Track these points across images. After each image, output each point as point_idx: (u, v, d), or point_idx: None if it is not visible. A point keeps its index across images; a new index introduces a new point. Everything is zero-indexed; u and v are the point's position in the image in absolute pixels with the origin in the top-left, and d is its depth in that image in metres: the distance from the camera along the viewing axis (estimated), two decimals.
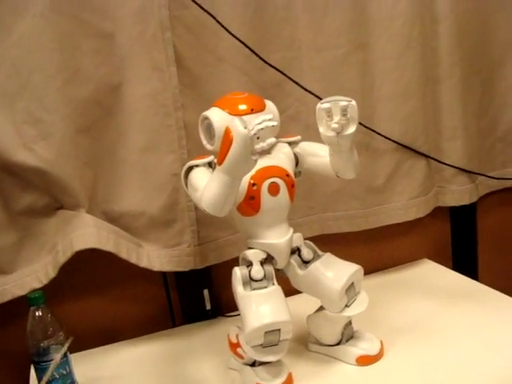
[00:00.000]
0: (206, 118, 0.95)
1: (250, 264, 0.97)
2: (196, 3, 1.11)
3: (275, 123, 0.83)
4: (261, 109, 0.96)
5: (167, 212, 1.17)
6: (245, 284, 0.95)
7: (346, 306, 1.00)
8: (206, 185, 0.89)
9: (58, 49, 1.05)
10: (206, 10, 1.12)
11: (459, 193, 1.40)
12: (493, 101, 1.43)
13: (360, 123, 1.23)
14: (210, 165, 0.97)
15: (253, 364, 1.00)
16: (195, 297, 1.28)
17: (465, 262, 1.52)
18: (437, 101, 1.34)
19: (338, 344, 1.05)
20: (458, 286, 1.32)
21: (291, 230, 1.00)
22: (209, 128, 0.95)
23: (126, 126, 1.13)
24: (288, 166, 0.99)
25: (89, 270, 1.20)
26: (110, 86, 1.11)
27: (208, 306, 1.29)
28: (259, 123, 0.81)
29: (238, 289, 0.95)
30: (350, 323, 1.05)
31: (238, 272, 0.96)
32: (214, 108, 0.96)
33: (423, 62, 1.30)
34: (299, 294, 1.04)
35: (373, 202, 1.33)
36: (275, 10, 1.19)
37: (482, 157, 1.43)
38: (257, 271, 0.96)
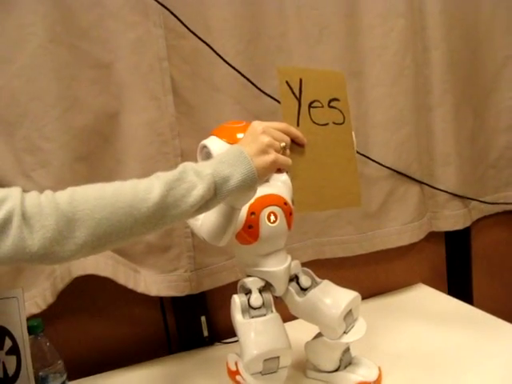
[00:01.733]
0: (205, 147, 0.96)
1: (248, 292, 0.98)
2: (192, 33, 1.13)
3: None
4: None
5: (164, 238, 1.18)
6: (244, 312, 0.96)
7: (345, 332, 1.01)
8: (206, 214, 0.90)
9: (57, 78, 1.06)
10: (202, 40, 1.14)
11: (453, 218, 1.42)
12: (484, 127, 1.45)
13: None
14: None
15: None
16: (192, 323, 1.28)
17: (459, 285, 1.53)
18: (430, 127, 1.36)
19: (336, 370, 1.06)
20: (453, 310, 1.32)
21: (289, 258, 1.01)
22: (208, 157, 0.96)
23: (124, 154, 1.14)
24: (286, 194, 0.99)
25: (85, 296, 1.20)
26: (108, 115, 1.12)
27: (206, 333, 1.29)
28: None
29: (237, 316, 0.96)
30: (348, 349, 1.06)
31: (237, 300, 0.96)
32: (213, 137, 0.97)
33: (416, 90, 1.32)
34: (297, 320, 1.05)
35: (367, 227, 1.35)
36: (270, 38, 1.22)
37: (475, 182, 1.45)
38: (256, 299, 0.96)
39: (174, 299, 1.26)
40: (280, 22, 1.22)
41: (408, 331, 1.23)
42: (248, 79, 1.18)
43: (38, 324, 0.98)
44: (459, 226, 1.43)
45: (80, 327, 1.22)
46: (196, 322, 1.28)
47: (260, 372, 0.94)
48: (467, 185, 1.42)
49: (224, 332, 1.28)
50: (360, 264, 1.40)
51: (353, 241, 1.35)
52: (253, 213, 0.95)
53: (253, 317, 0.96)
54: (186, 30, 1.13)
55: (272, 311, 0.97)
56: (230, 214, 0.88)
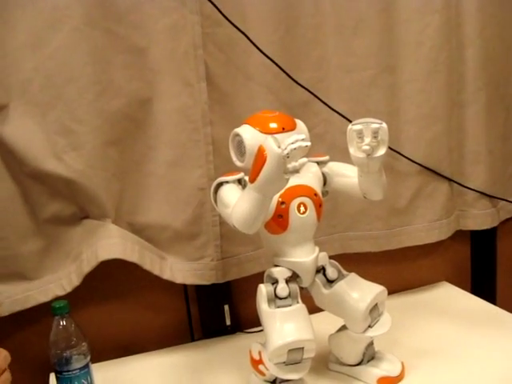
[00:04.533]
0: (238, 135, 0.96)
1: (275, 281, 0.97)
2: (228, 20, 1.13)
3: (308, 143, 0.84)
4: (291, 128, 0.96)
5: (192, 226, 1.18)
6: (269, 301, 0.96)
7: (369, 326, 1.01)
8: (237, 202, 0.90)
9: (91, 62, 1.06)
10: (237, 28, 1.13)
11: (481, 217, 1.41)
12: None
13: None
14: (239, 182, 0.97)
15: (274, 382, 1.00)
16: (215, 312, 1.28)
17: (484, 285, 1.52)
18: (461, 125, 1.35)
19: (359, 364, 1.06)
20: (477, 310, 1.32)
21: (317, 249, 1.01)
22: (240, 145, 0.96)
23: (155, 140, 1.14)
24: (316, 186, 0.99)
25: (111, 280, 1.21)
26: (141, 100, 1.12)
27: (228, 322, 1.29)
28: (292, 143, 0.81)
29: (263, 306, 0.95)
30: (371, 344, 1.06)
31: (264, 289, 0.96)
32: (246, 125, 0.96)
33: (449, 86, 1.31)
34: (321, 312, 1.05)
35: (395, 223, 1.34)
36: (305, 30, 1.21)
37: (505, 182, 1.44)
38: (282, 289, 0.96)
39: (197, 287, 1.26)
40: (316, 13, 1.21)
41: (431, 329, 1.23)
42: (282, 69, 1.17)
43: (63, 305, 0.98)
44: (487, 226, 1.42)
45: (104, 311, 1.22)
46: (219, 310, 1.28)
47: (284, 362, 0.93)
48: (497, 184, 1.41)
49: (246, 322, 1.28)
50: (385, 260, 1.39)
51: (380, 236, 1.34)
52: (283, 202, 0.95)
53: (278, 307, 0.96)
54: (222, 17, 1.12)
55: (298, 302, 0.97)
56: (261, 202, 0.87)
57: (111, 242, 1.11)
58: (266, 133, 0.92)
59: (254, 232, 0.92)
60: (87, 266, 1.11)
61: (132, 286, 1.23)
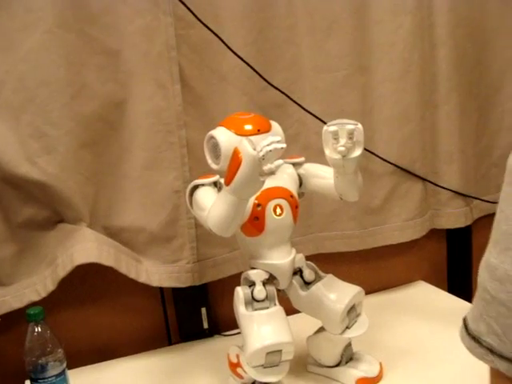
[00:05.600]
0: (212, 138, 0.95)
1: (252, 284, 0.97)
2: (201, 22, 1.12)
3: (284, 145, 0.83)
4: (267, 129, 0.96)
5: (167, 228, 1.18)
6: (247, 304, 0.95)
7: (347, 327, 1.01)
8: (213, 205, 0.90)
9: (64, 64, 1.06)
10: (211, 30, 1.13)
11: (454, 215, 1.42)
12: (489, 125, 1.45)
13: None
14: (215, 184, 0.97)
15: None
16: (192, 315, 1.28)
17: (460, 283, 1.54)
18: (434, 125, 1.36)
19: (337, 365, 1.06)
20: (453, 308, 1.31)
21: (294, 251, 1.01)
22: (215, 147, 0.95)
23: (129, 143, 1.14)
24: (292, 187, 0.99)
25: (86, 284, 1.20)
26: (115, 102, 1.12)
27: (205, 325, 1.28)
28: (268, 145, 0.81)
29: (240, 309, 0.95)
30: (349, 345, 1.06)
31: (241, 292, 0.96)
32: (221, 127, 0.96)
33: (422, 86, 1.32)
34: (298, 314, 1.05)
35: (369, 222, 1.35)
36: (279, 31, 1.21)
37: (478, 181, 1.45)
38: (259, 291, 0.96)
39: (174, 290, 1.26)
40: (289, 15, 1.21)
41: (407, 328, 1.24)
42: (255, 71, 1.17)
43: (38, 311, 0.97)
44: (460, 224, 1.43)
45: (80, 316, 1.21)
46: (196, 313, 1.28)
47: (262, 365, 0.93)
48: (470, 183, 1.42)
49: (224, 324, 1.28)
50: (361, 260, 1.39)
51: (354, 236, 1.34)
52: (259, 205, 0.95)
53: (256, 309, 0.96)
54: (195, 19, 1.12)
55: (275, 304, 0.97)
56: (237, 205, 0.87)
57: (86, 246, 1.10)
58: (241, 135, 0.92)
59: (230, 235, 0.92)
60: (62, 270, 1.09)
61: (108, 290, 1.22)
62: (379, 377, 1.04)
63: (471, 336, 0.51)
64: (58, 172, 1.07)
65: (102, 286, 1.21)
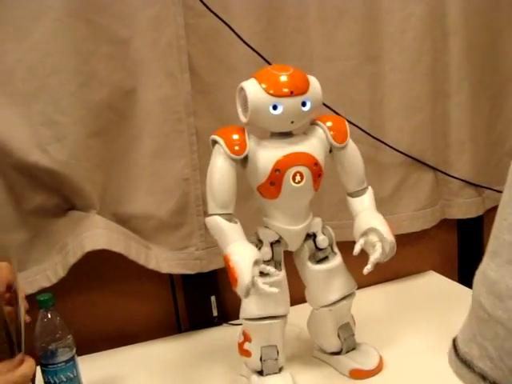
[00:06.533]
0: (243, 89, 0.92)
1: (260, 242, 0.98)
2: (211, 11, 1.13)
3: (275, 290, 0.88)
4: (302, 91, 0.91)
5: (176, 216, 1.19)
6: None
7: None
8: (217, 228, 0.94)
9: (74, 53, 1.07)
10: (220, 18, 1.13)
11: (466, 206, 1.41)
12: (501, 115, 1.44)
13: (369, 134, 1.26)
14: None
15: (260, 373, 1.01)
16: (202, 303, 1.29)
17: (471, 274, 1.51)
18: (446, 114, 1.35)
19: (338, 353, 1.06)
20: (463, 298, 1.30)
21: (310, 217, 1.00)
22: (245, 100, 0.92)
23: (139, 131, 1.15)
24: (319, 153, 0.96)
25: (97, 271, 1.21)
26: (124, 91, 1.13)
27: (215, 313, 1.29)
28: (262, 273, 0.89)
29: None
30: (352, 334, 1.06)
31: None
32: (253, 80, 0.92)
33: (433, 76, 1.31)
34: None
35: (379, 212, 1.34)
36: (288, 19, 1.21)
37: (490, 170, 1.44)
38: (265, 252, 0.96)
39: (184, 278, 1.27)
40: (299, 4, 1.21)
41: (416, 318, 1.23)
42: (265, 59, 1.17)
43: (48, 298, 0.97)
44: (472, 215, 1.42)
45: (90, 302, 1.23)
46: (206, 301, 1.29)
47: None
48: (482, 173, 1.41)
49: (233, 313, 1.27)
50: None
51: None
52: (277, 170, 0.92)
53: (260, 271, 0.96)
54: (205, 8, 1.12)
55: (280, 266, 0.98)
56: None
57: (96, 233, 1.12)
58: (270, 94, 0.89)
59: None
60: (73, 257, 1.11)
61: (118, 277, 1.23)
62: (376, 370, 1.03)
63: (461, 359, 0.46)
64: (68, 159, 1.09)
65: (112, 273, 1.22)
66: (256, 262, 0.89)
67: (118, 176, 1.16)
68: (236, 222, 0.93)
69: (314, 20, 1.23)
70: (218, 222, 0.92)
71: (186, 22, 1.13)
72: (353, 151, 1.01)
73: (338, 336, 1.04)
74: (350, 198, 1.03)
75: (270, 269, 0.92)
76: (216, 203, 0.92)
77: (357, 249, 0.96)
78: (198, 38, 1.15)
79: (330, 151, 1.00)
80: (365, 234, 0.98)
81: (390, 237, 0.97)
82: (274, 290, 0.88)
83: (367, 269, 0.94)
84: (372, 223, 0.98)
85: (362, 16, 1.24)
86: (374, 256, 0.95)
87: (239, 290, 0.88)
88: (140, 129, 1.15)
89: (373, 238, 0.97)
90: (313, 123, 0.99)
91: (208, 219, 0.94)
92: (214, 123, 1.14)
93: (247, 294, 0.87)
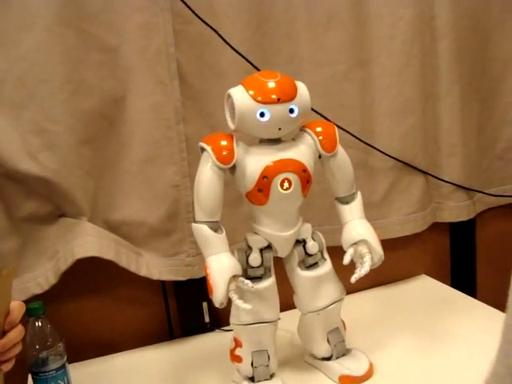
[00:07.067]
0: (230, 96, 0.92)
1: (250, 248, 0.98)
2: (199, 18, 1.13)
3: (248, 307, 0.91)
4: (289, 98, 0.91)
5: (167, 222, 1.19)
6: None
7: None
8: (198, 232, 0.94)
9: (64, 62, 1.07)
10: (208, 25, 1.14)
11: (457, 209, 1.41)
12: (492, 118, 1.44)
13: (359, 139, 1.26)
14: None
15: (252, 379, 1.01)
16: (194, 309, 1.29)
17: (463, 277, 1.53)
18: (436, 118, 1.35)
19: (329, 359, 1.06)
20: (456, 302, 1.31)
21: (299, 223, 1.00)
22: (232, 107, 0.92)
23: (129, 138, 1.15)
24: (308, 160, 0.96)
25: (88, 278, 1.21)
26: (114, 99, 1.13)
27: (207, 319, 1.29)
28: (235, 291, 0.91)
29: None
30: (342, 340, 1.06)
31: (236, 256, 0.97)
32: (240, 87, 0.92)
33: (423, 80, 1.32)
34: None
35: (370, 216, 1.33)
36: (277, 25, 1.21)
37: (481, 174, 1.45)
38: (254, 258, 0.97)
39: (176, 285, 1.27)
40: (288, 9, 1.21)
41: (408, 323, 1.22)
42: (254, 65, 1.18)
43: (38, 306, 0.98)
44: (463, 218, 1.42)
45: (81, 309, 1.23)
46: (198, 307, 1.29)
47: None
48: (473, 176, 1.42)
49: (225, 319, 1.27)
50: None
51: None
52: (265, 177, 0.92)
53: (249, 276, 0.97)
54: (193, 14, 1.13)
55: (270, 272, 0.98)
56: None
57: (87, 240, 1.12)
58: (258, 101, 0.89)
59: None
60: (64, 264, 1.11)
61: (109, 283, 1.23)
62: (365, 376, 1.03)
63: None
64: (58, 167, 1.09)
65: (103, 280, 1.22)
66: (234, 277, 0.91)
67: (108, 183, 1.16)
68: (222, 232, 0.94)
69: (303, 25, 1.23)
70: (203, 230, 0.93)
71: (174, 28, 1.14)
72: (342, 158, 1.01)
73: (328, 341, 1.04)
74: (338, 204, 1.04)
75: (248, 283, 0.92)
76: (203, 211, 0.93)
77: (347, 259, 0.98)
78: (187, 44, 1.16)
79: (320, 157, 1.00)
80: (355, 244, 0.99)
81: (379, 248, 0.99)
82: (247, 306, 0.91)
83: (355, 278, 0.96)
84: (362, 234, 1.00)
85: (350, 21, 1.25)
86: (364, 269, 0.97)
87: (214, 301, 0.91)
88: (130, 136, 1.15)
89: (362, 248, 0.99)
90: (302, 129, 0.99)
91: (194, 226, 0.94)
92: (203, 130, 1.14)
93: (221, 306, 0.91)
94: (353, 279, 0.96)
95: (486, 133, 1.44)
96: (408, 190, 1.36)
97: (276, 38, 1.22)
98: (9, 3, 1.03)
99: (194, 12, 1.13)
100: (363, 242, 0.99)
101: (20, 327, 0.81)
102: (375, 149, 1.30)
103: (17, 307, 0.81)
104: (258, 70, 1.18)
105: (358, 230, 1.00)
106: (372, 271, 1.39)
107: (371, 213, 1.33)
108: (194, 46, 1.16)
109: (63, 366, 1.00)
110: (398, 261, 1.45)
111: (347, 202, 1.03)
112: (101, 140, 1.14)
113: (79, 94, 1.09)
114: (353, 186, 1.04)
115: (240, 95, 0.91)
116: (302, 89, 0.94)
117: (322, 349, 1.05)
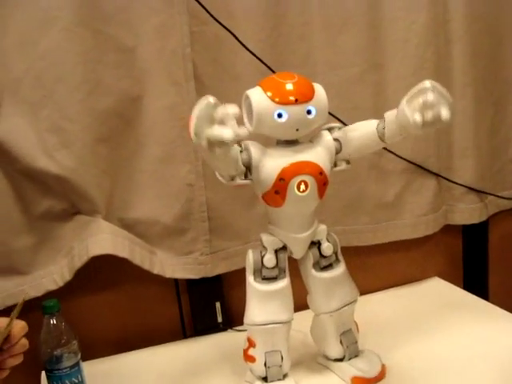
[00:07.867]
0: (248, 98, 0.92)
1: (265, 249, 0.98)
2: (215, 19, 1.14)
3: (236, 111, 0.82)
4: (307, 98, 0.91)
5: (181, 221, 1.20)
6: (256, 270, 0.97)
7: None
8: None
9: (81, 62, 1.08)
10: (224, 27, 1.15)
11: (468, 211, 1.42)
12: (505, 121, 1.44)
13: None
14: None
15: (265, 379, 1.02)
16: (207, 309, 1.30)
17: (476, 280, 1.53)
18: (449, 120, 1.35)
19: (341, 360, 1.06)
20: (467, 305, 1.31)
21: (315, 225, 1.00)
22: (250, 108, 0.92)
23: (145, 137, 1.16)
24: (324, 162, 0.95)
25: (102, 276, 1.23)
26: (130, 98, 1.14)
27: (220, 319, 1.30)
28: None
29: (249, 277, 0.98)
30: (355, 342, 1.06)
31: (251, 257, 0.97)
32: (258, 88, 0.92)
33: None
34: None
35: (382, 217, 1.35)
36: (292, 27, 1.22)
37: (493, 176, 1.45)
38: (269, 259, 0.97)
39: (189, 284, 1.28)
40: (303, 11, 1.22)
41: (421, 325, 1.22)
42: (269, 67, 1.19)
43: (54, 304, 0.99)
44: (474, 220, 1.43)
45: (95, 307, 1.24)
46: (210, 307, 1.30)
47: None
48: (485, 179, 1.42)
49: (238, 318, 1.28)
50: (375, 254, 1.40)
51: (367, 230, 1.35)
52: (282, 179, 0.92)
53: (264, 277, 0.97)
54: (209, 16, 1.14)
55: (284, 273, 0.99)
56: (209, 155, 0.85)
57: (102, 238, 1.13)
58: (275, 102, 0.89)
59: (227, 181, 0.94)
60: (78, 261, 1.13)
61: (123, 281, 1.24)
62: (378, 378, 1.03)
63: None
64: (74, 165, 1.10)
65: (117, 278, 1.24)
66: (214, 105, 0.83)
67: (123, 182, 1.17)
68: None
69: (318, 28, 1.24)
70: None
71: (190, 30, 1.15)
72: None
73: (341, 342, 1.05)
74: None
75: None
76: None
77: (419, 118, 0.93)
78: (203, 46, 1.17)
79: (339, 152, 0.99)
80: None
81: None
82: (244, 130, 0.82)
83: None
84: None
85: (365, 24, 1.25)
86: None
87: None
88: (146, 135, 1.16)
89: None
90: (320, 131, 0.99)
91: None
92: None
93: (198, 140, 0.81)
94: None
95: (499, 136, 1.45)
96: (420, 192, 1.36)
97: (291, 40, 1.22)
98: (27, 4, 1.05)
99: (210, 13, 1.14)
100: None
101: (22, 342, 0.81)
102: (388, 151, 1.30)
103: (18, 327, 0.81)
104: (273, 71, 1.19)
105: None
106: (385, 272, 1.41)
107: (383, 214, 1.35)
108: (210, 48, 1.17)
109: (77, 364, 1.01)
110: (411, 263, 1.46)
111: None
112: (117, 139, 1.15)
113: (96, 93, 1.11)
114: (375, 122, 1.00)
115: (258, 96, 0.91)
116: (319, 90, 0.94)
117: (335, 350, 1.06)
